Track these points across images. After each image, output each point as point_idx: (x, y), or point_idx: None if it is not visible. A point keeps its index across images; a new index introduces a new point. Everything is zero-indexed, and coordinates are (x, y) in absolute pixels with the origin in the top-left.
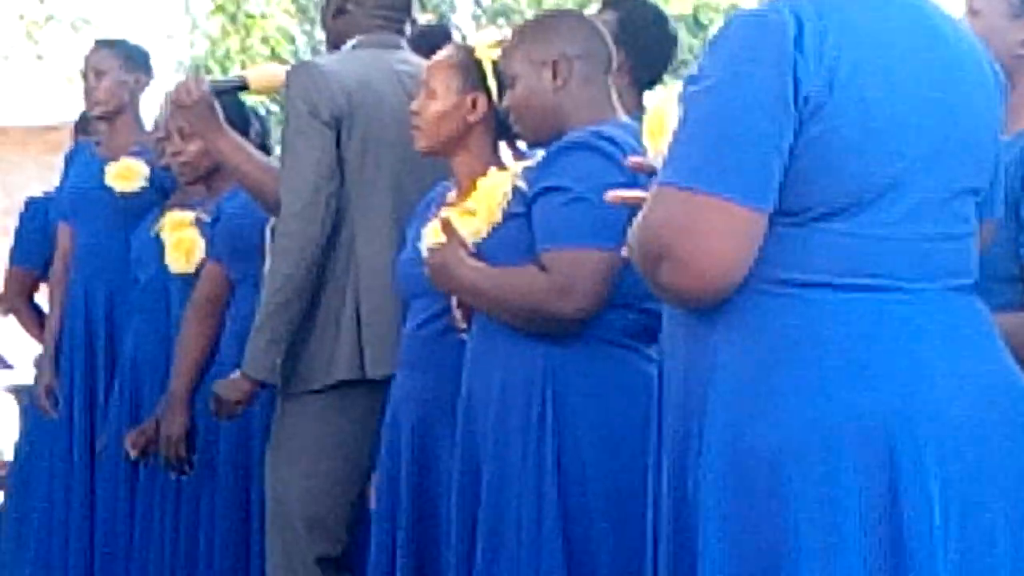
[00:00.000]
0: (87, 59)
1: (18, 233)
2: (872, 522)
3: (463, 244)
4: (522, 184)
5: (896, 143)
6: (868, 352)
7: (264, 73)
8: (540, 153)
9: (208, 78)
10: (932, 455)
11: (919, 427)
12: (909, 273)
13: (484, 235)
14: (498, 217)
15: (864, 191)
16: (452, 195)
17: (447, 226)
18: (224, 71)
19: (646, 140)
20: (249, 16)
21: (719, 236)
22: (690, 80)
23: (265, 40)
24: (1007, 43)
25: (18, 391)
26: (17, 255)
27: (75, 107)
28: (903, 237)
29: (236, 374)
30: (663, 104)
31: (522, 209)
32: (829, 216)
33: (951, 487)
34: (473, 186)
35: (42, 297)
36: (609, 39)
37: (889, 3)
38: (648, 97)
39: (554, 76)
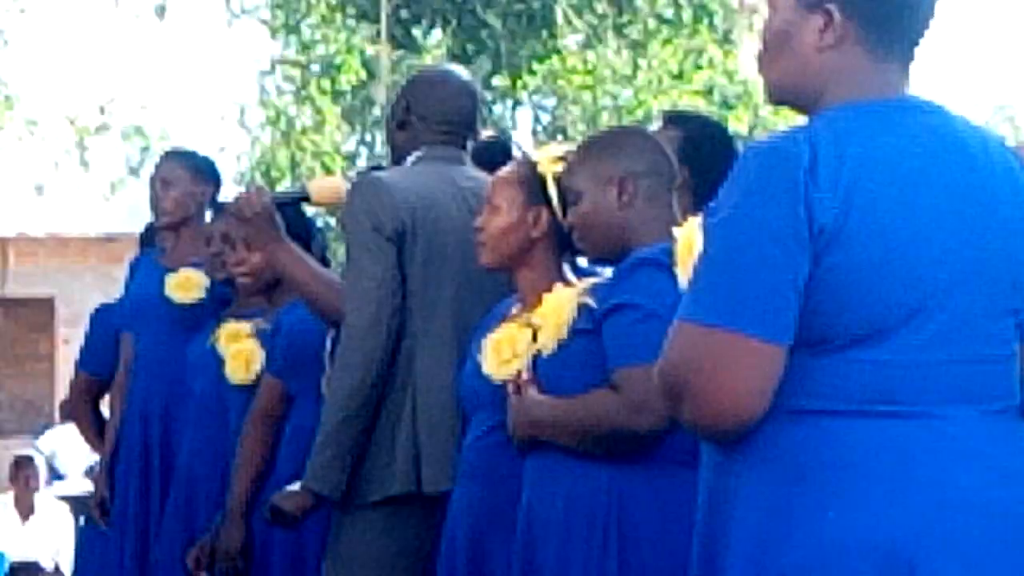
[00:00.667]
0: (157, 169)
1: (86, 339)
2: None
3: (534, 382)
4: (589, 301)
5: (919, 269)
6: (891, 478)
7: (326, 185)
8: (604, 271)
9: (269, 191)
10: None
11: (942, 555)
12: (938, 397)
13: (550, 351)
14: (564, 333)
15: (887, 319)
16: (516, 308)
17: (516, 375)
18: (272, 184)
19: (677, 269)
20: (302, 131)
21: (737, 373)
22: (710, 212)
23: (317, 155)
24: None
25: (72, 501)
26: (84, 361)
27: (126, 216)
28: (931, 362)
29: (296, 486)
30: (690, 233)
31: (589, 326)
32: (852, 345)
33: None
34: (536, 300)
35: (105, 407)
36: (673, 156)
37: (912, 124)
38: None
39: (620, 194)
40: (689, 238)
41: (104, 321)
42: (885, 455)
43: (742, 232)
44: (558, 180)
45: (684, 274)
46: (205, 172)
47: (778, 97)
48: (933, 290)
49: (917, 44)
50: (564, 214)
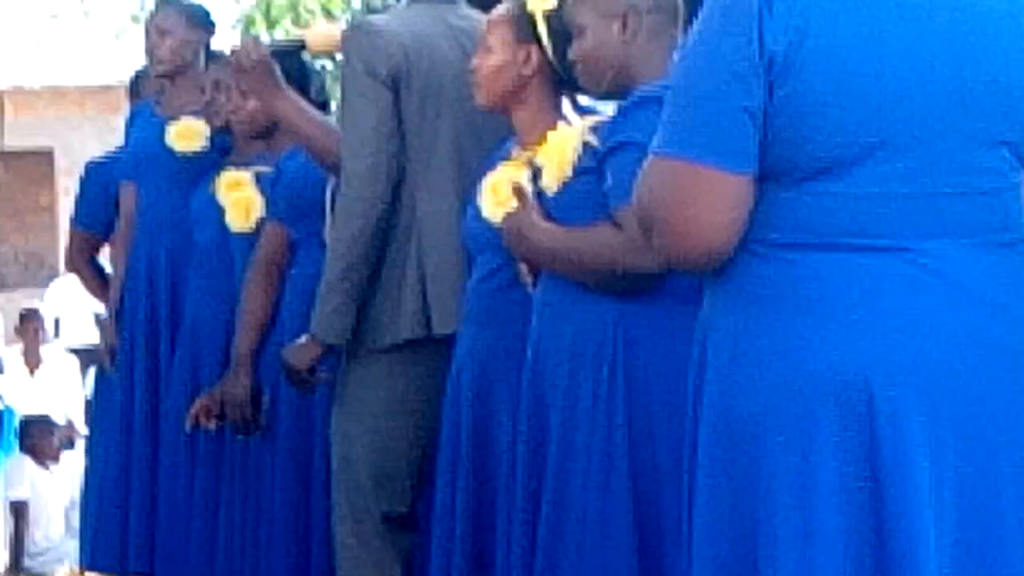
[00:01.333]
0: (151, 18)
1: (80, 196)
2: (852, 488)
3: (536, 207)
4: (592, 140)
5: (883, 96)
6: (856, 309)
7: (322, 33)
8: (606, 108)
9: (267, 40)
10: (919, 412)
11: (904, 383)
12: (916, 231)
13: (554, 190)
14: (568, 173)
15: (850, 149)
16: (515, 152)
17: (518, 191)
18: (273, 25)
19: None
20: None
21: (700, 203)
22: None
23: None
24: None
25: (80, 353)
26: (79, 218)
27: (127, 65)
28: (906, 195)
29: (304, 339)
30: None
31: (592, 164)
32: (816, 177)
33: (945, 446)
34: (534, 140)
35: (104, 258)
36: None
37: None
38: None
39: (623, 28)
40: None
41: (97, 177)
42: (853, 287)
43: (698, 64)
44: (548, 17)
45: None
46: (201, 19)
47: None
48: (901, 118)
49: None
50: (555, 51)
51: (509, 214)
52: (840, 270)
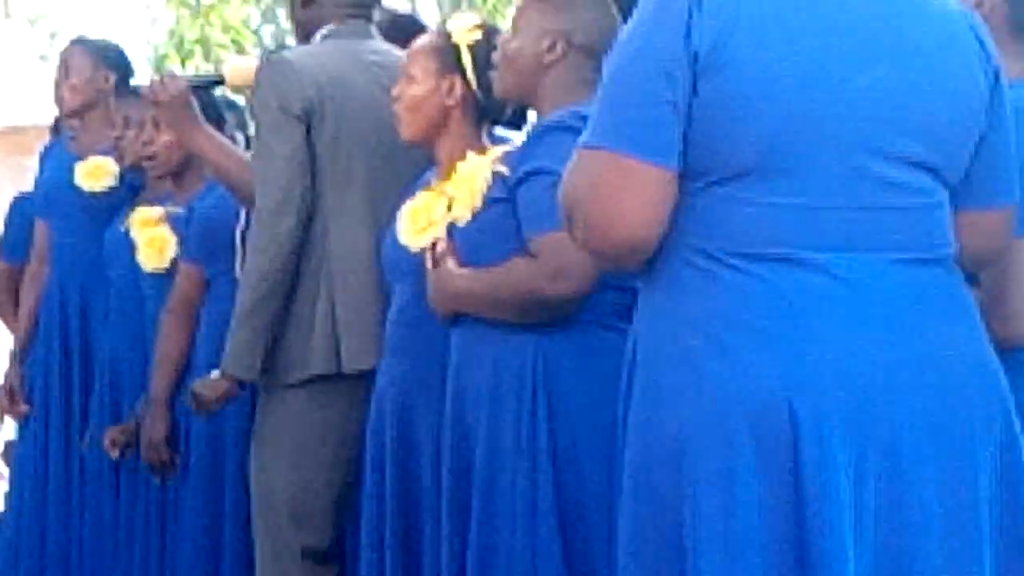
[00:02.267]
0: (61, 57)
1: (5, 229)
2: (774, 512)
3: (452, 254)
4: (502, 169)
5: (801, 108)
6: (773, 325)
7: (241, 67)
8: (517, 137)
9: (184, 74)
10: (842, 435)
11: (826, 404)
12: (829, 243)
13: (466, 222)
14: (479, 203)
15: (762, 154)
16: (434, 182)
17: (431, 248)
18: (183, 63)
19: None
20: (208, 7)
21: (620, 193)
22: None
23: (226, 29)
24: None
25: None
26: (3, 251)
27: (41, 107)
28: (822, 206)
29: (215, 373)
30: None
31: (504, 194)
32: (733, 180)
33: (868, 466)
34: (454, 170)
35: None
36: (615, 28)
37: None
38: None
39: (551, 48)
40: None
41: (21, 211)
42: (770, 303)
43: (628, 58)
44: (472, 49)
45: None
46: (110, 58)
47: None
48: (819, 132)
49: None
50: (479, 83)
51: (432, 278)
52: (760, 284)
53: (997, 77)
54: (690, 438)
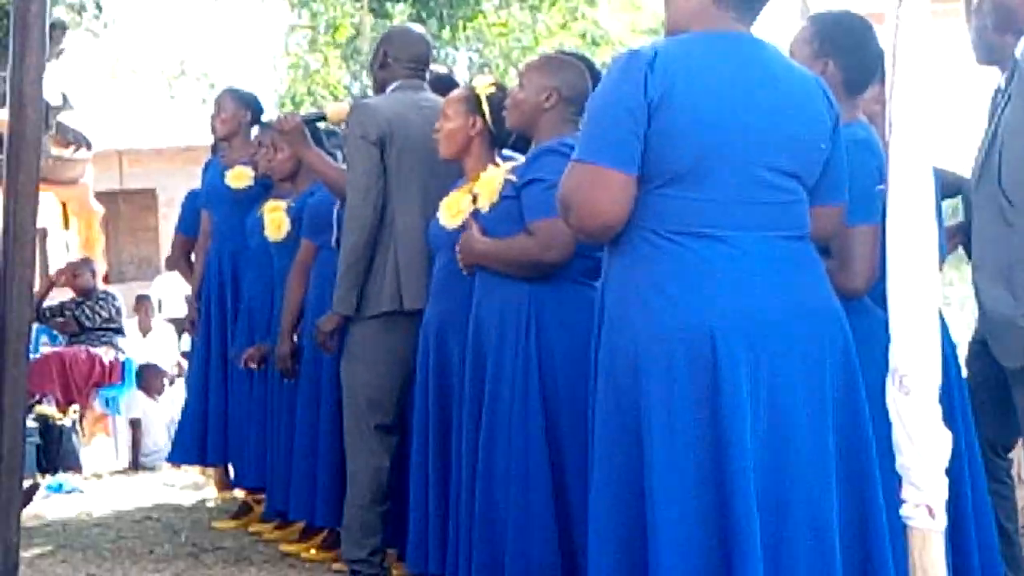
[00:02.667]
0: (216, 101)
1: (182, 212)
2: (700, 403)
3: (478, 230)
4: (512, 177)
5: (713, 133)
6: (697, 278)
7: (337, 109)
8: (521, 157)
9: (300, 114)
10: (746, 359)
11: (736, 338)
12: (736, 224)
13: (486, 211)
14: (496, 199)
15: (693, 165)
16: (463, 185)
17: (467, 221)
18: (297, 107)
19: (480, 200)
20: (315, 70)
21: (598, 191)
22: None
23: (327, 85)
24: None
25: (175, 322)
26: (181, 227)
27: (203, 134)
28: (729, 200)
29: (328, 314)
30: (491, 176)
31: (512, 194)
32: (671, 183)
33: (760, 382)
34: (476, 178)
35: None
36: (590, 91)
37: (732, 46)
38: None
39: (547, 99)
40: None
41: (192, 201)
42: (696, 264)
43: (605, 101)
44: (489, 98)
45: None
46: (248, 102)
47: (669, 31)
48: (728, 151)
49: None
50: (493, 120)
51: (461, 238)
52: (690, 252)
53: (836, 119)
54: (642, 352)
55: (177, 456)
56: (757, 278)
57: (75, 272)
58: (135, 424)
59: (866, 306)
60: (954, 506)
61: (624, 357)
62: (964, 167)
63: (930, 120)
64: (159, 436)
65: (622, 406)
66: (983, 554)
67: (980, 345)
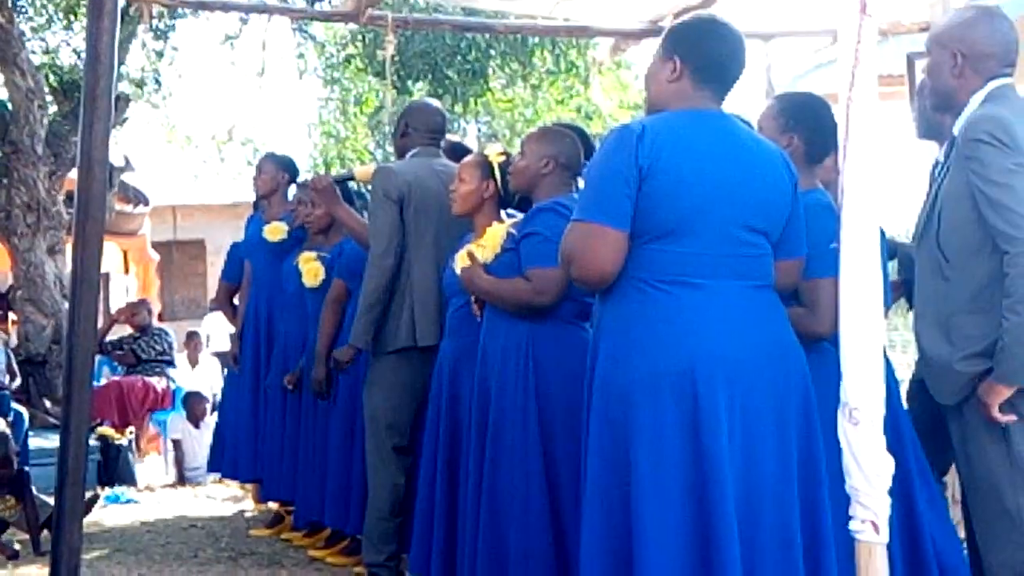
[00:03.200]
0: (258, 164)
1: (226, 262)
2: (685, 441)
3: (480, 265)
4: (513, 231)
5: (694, 196)
6: (681, 324)
7: (364, 171)
8: (520, 216)
9: (331, 174)
10: (723, 392)
11: (714, 374)
12: (716, 275)
13: (491, 260)
14: (499, 250)
15: (677, 223)
16: (473, 239)
17: (471, 256)
18: (329, 169)
19: (482, 251)
20: (345, 137)
21: (596, 246)
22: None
23: (355, 151)
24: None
25: (220, 356)
26: (225, 274)
27: (247, 191)
28: (709, 253)
29: (346, 345)
30: (495, 231)
31: (513, 246)
32: (659, 239)
33: (735, 412)
34: (485, 232)
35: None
36: (582, 158)
37: (708, 122)
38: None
39: (545, 166)
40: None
41: (235, 252)
42: (681, 309)
43: (602, 168)
44: (500, 164)
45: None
46: (286, 165)
47: (650, 108)
48: (701, 212)
49: (729, 82)
50: (502, 184)
51: (464, 268)
52: (675, 298)
53: (796, 185)
54: (634, 388)
55: (213, 467)
56: (732, 322)
57: (134, 312)
58: (176, 444)
59: (825, 347)
60: (910, 525)
61: (618, 392)
62: (904, 228)
63: (877, 186)
64: (200, 455)
65: (615, 436)
66: (946, 566)
67: (919, 383)
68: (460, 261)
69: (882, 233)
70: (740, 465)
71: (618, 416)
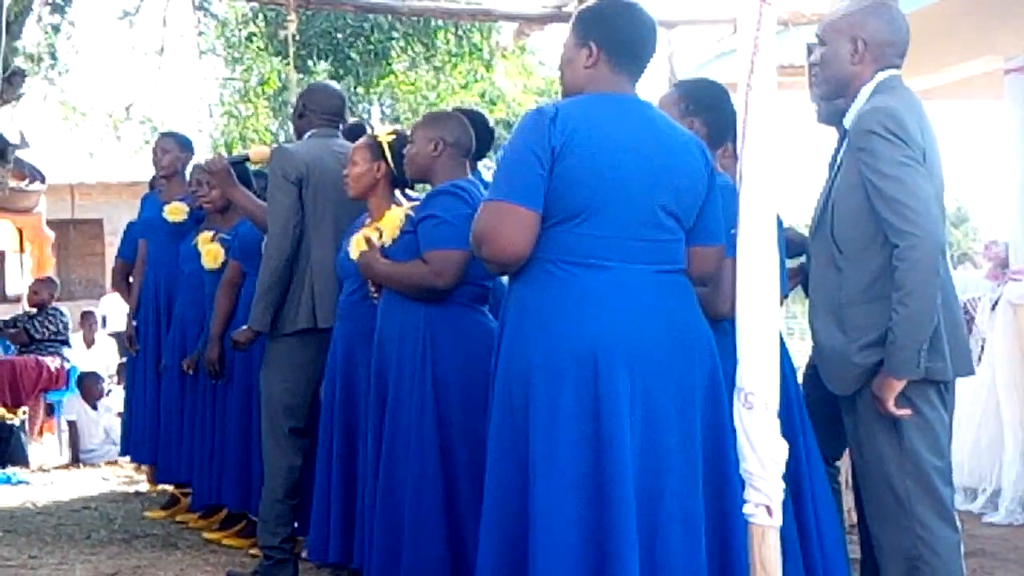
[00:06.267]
0: (157, 142)
1: (122, 240)
2: (584, 424)
3: (377, 250)
4: (411, 214)
5: (606, 179)
6: (585, 304)
7: (260, 151)
8: (419, 198)
9: (226, 156)
10: (625, 376)
11: (616, 357)
12: (622, 257)
13: (389, 243)
14: (397, 233)
15: (588, 205)
16: (368, 222)
17: (368, 241)
18: (229, 151)
19: (381, 237)
20: (246, 117)
21: (507, 226)
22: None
23: (256, 131)
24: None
25: (116, 336)
26: (121, 252)
27: (146, 170)
28: (619, 236)
29: (245, 327)
30: (392, 214)
31: (411, 228)
32: (569, 220)
33: (637, 396)
34: (380, 215)
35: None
36: (472, 135)
37: (621, 105)
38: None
39: (435, 148)
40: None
41: (131, 231)
42: (586, 292)
43: (515, 149)
44: (390, 144)
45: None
46: (186, 145)
47: (564, 93)
48: (612, 195)
49: (642, 66)
50: (394, 164)
51: (362, 253)
52: (582, 280)
53: (712, 172)
54: (533, 371)
55: (122, 451)
56: (638, 306)
57: (35, 290)
58: (72, 425)
59: (726, 328)
60: (798, 508)
61: (519, 373)
62: (805, 215)
63: (775, 174)
64: (96, 436)
65: (514, 418)
66: (827, 550)
67: (814, 369)
68: (356, 246)
69: (779, 221)
70: (641, 449)
71: (518, 398)
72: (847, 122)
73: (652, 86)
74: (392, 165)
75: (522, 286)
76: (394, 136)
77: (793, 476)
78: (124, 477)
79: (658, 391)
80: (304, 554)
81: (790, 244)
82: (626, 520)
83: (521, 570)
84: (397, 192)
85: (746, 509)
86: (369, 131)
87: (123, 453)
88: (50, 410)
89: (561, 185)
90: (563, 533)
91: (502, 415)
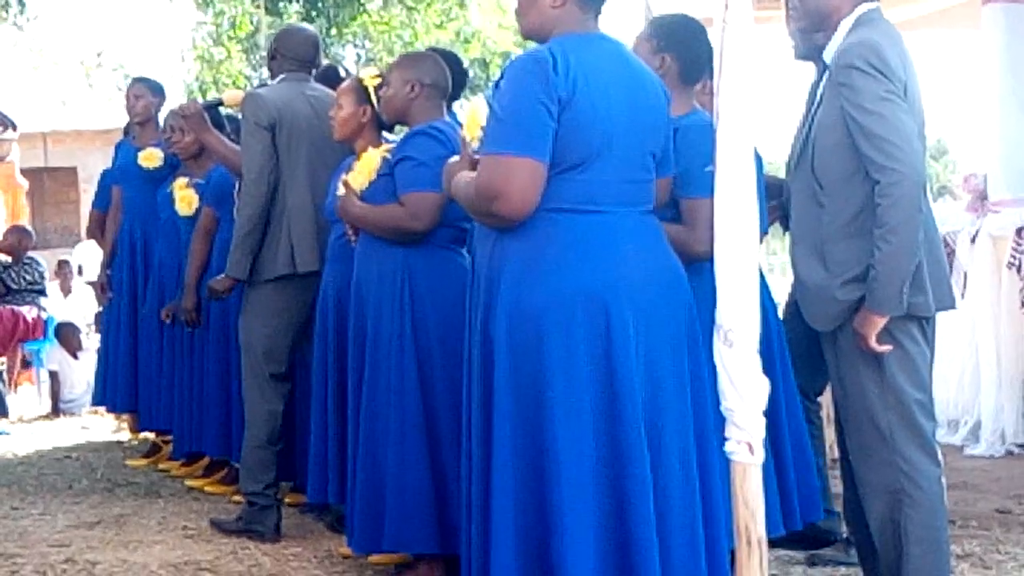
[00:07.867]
0: (130, 88)
1: (97, 190)
2: (596, 358)
3: (355, 193)
4: (388, 156)
5: (604, 127)
6: (590, 249)
7: (234, 96)
8: (397, 139)
9: (200, 100)
10: (630, 315)
11: (623, 295)
12: (615, 202)
13: (366, 186)
14: (374, 176)
15: (587, 154)
16: (355, 164)
17: (346, 184)
18: (203, 95)
19: (465, 130)
20: (219, 61)
21: (517, 179)
22: (495, 87)
23: (229, 75)
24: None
25: (92, 284)
26: (96, 202)
27: (119, 117)
28: (612, 180)
29: (222, 276)
30: (476, 106)
31: (388, 171)
32: (570, 169)
33: (640, 330)
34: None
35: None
36: (448, 75)
37: (602, 47)
38: (467, 104)
39: (412, 90)
40: (475, 110)
41: (106, 178)
42: (589, 237)
43: (516, 99)
44: (375, 88)
45: (471, 133)
46: (159, 90)
47: (527, 36)
48: (611, 140)
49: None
50: (379, 108)
51: (339, 196)
52: (583, 226)
53: (668, 107)
54: (545, 311)
55: (97, 400)
56: (634, 247)
57: (6, 237)
58: (53, 375)
59: (703, 267)
60: (774, 445)
61: (529, 314)
62: (783, 151)
63: (752, 110)
64: (77, 386)
65: (525, 358)
66: (802, 486)
67: (795, 306)
68: (342, 186)
69: (758, 157)
70: (645, 386)
71: (529, 338)
72: (827, 56)
73: (629, 23)
74: (379, 109)
75: (521, 235)
76: (380, 80)
77: (770, 412)
78: (105, 426)
79: (655, 331)
80: (287, 500)
81: (771, 187)
82: (640, 454)
83: (540, 499)
84: (385, 134)
85: (727, 446)
86: (343, 73)
87: (98, 402)
88: (26, 361)
89: (567, 134)
90: (583, 467)
91: (510, 359)
